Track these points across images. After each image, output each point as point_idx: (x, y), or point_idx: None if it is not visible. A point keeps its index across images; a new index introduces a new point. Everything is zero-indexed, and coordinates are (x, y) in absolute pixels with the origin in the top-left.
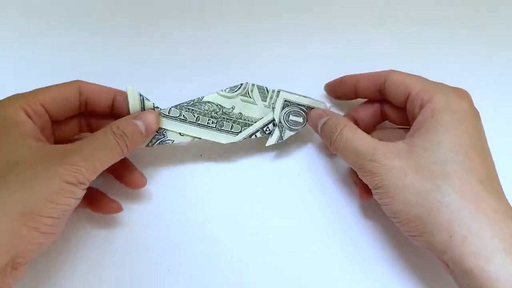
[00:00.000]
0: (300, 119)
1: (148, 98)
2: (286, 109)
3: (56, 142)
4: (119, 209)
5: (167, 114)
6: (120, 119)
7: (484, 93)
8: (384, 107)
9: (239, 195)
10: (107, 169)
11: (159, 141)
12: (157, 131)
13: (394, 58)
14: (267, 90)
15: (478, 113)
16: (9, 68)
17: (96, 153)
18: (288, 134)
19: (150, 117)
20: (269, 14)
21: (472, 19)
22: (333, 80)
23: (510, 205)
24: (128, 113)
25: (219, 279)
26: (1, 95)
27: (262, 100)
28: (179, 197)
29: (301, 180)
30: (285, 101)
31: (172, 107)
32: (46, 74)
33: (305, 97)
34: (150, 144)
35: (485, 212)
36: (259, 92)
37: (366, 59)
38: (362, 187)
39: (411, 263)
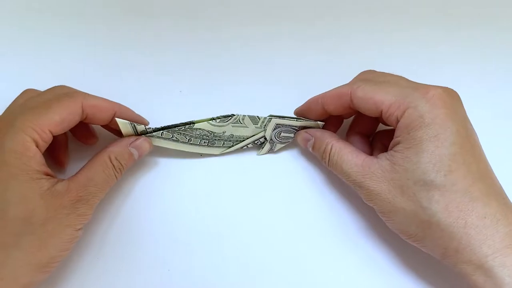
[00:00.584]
0: (292, 135)
1: (138, 124)
2: (278, 129)
3: None
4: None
5: (160, 136)
6: (119, 146)
7: (483, 93)
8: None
9: (240, 194)
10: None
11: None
12: None
13: (394, 59)
14: (258, 118)
15: (456, 115)
16: (9, 69)
17: (99, 195)
18: (278, 146)
19: (145, 147)
20: (270, 16)
21: (471, 18)
22: (301, 107)
23: (500, 201)
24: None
25: (220, 279)
26: (2, 96)
27: (253, 124)
28: (179, 197)
29: (303, 177)
30: (277, 124)
31: (164, 130)
32: (47, 75)
33: (297, 120)
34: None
35: (473, 222)
36: (251, 119)
37: (365, 60)
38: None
39: (412, 256)
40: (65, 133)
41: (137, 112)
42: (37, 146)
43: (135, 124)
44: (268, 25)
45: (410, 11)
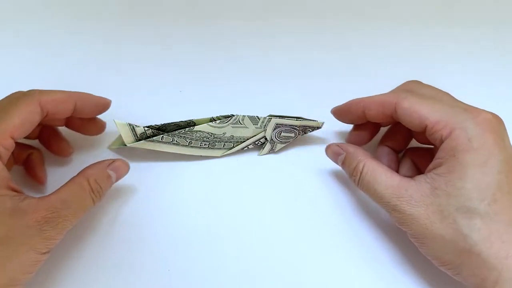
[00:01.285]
0: (292, 134)
1: (137, 125)
2: (278, 129)
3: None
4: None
5: (160, 140)
6: (97, 168)
7: (484, 94)
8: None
9: (241, 195)
10: (36, 136)
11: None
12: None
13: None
14: (258, 118)
15: (503, 142)
16: (9, 70)
17: (71, 220)
18: (279, 146)
19: (124, 169)
20: (271, 15)
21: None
22: (340, 106)
23: None
24: (90, 115)
25: (220, 279)
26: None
27: (253, 124)
28: (179, 196)
29: (304, 177)
30: (277, 124)
31: (164, 134)
32: (46, 75)
33: (297, 119)
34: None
35: None
36: (250, 119)
37: (368, 59)
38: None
39: (416, 259)
40: (39, 150)
41: (137, 112)
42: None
43: (134, 126)
44: (268, 24)
45: (414, 10)
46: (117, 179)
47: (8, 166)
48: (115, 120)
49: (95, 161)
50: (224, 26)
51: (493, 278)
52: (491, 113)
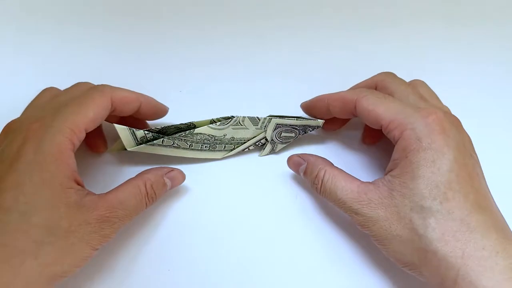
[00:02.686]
0: (292, 134)
1: (137, 128)
2: (278, 129)
3: None
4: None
5: (161, 143)
6: (155, 174)
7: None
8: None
9: (242, 196)
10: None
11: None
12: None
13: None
14: (258, 119)
15: (454, 142)
16: (11, 67)
17: (124, 221)
18: (280, 146)
19: (179, 180)
20: (270, 15)
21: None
22: (307, 102)
23: (500, 233)
24: (149, 118)
25: (220, 279)
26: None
27: (253, 125)
28: (179, 197)
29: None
30: (277, 124)
31: (164, 137)
32: (45, 76)
33: (297, 118)
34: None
35: (470, 254)
36: (251, 120)
37: (369, 60)
38: (367, 133)
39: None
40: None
41: None
42: (73, 148)
43: (134, 130)
44: (268, 24)
45: (411, 7)
46: (171, 188)
47: None
48: (115, 124)
49: (95, 162)
50: (224, 26)
51: (452, 277)
52: (444, 112)
